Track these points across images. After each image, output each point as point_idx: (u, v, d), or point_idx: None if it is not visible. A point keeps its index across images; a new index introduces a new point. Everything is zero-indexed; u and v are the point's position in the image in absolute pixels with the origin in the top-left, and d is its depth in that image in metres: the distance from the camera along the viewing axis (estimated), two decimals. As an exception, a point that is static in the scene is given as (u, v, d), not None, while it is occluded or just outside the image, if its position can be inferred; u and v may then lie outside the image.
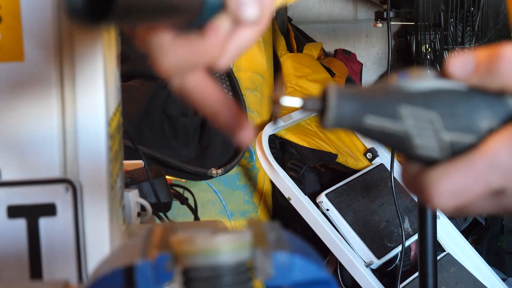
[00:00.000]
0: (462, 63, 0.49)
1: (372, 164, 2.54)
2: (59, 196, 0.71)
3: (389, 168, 2.29)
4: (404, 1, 2.40)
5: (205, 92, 0.59)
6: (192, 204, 1.46)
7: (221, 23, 0.57)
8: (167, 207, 1.26)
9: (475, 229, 2.74)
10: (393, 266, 2.37)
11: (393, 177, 2.22)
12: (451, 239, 2.49)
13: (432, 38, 2.09)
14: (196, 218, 1.49)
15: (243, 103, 2.39)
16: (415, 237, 2.33)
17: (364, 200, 2.40)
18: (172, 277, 0.45)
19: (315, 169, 2.49)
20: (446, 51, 2.10)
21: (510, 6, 1.37)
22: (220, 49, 0.57)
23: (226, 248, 0.44)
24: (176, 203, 1.38)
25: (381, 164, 2.54)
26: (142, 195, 1.17)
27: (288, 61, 2.63)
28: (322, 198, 2.30)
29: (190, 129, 2.35)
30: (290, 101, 0.50)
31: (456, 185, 0.48)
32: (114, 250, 0.53)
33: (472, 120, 0.48)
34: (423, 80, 0.49)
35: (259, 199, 2.46)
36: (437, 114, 0.48)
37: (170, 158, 2.26)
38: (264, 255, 0.45)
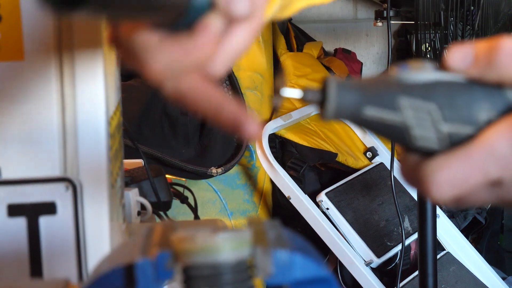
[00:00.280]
0: (461, 55, 0.50)
1: (372, 163, 2.54)
2: (59, 195, 0.71)
3: (389, 167, 2.29)
4: (404, 0, 2.40)
5: (202, 94, 0.55)
6: (192, 203, 1.46)
7: (212, 22, 0.53)
8: (167, 206, 1.26)
9: (475, 228, 2.75)
10: (393, 265, 2.37)
11: (393, 176, 2.22)
12: (451, 238, 2.49)
13: (432, 37, 2.09)
14: (196, 217, 1.49)
15: (243, 102, 2.39)
16: (415, 236, 2.33)
17: (364, 199, 2.40)
18: (172, 275, 0.45)
19: (315, 168, 2.49)
20: (446, 50, 2.10)
21: None
22: (213, 48, 0.54)
23: (226, 246, 0.44)
24: (176, 202, 1.38)
25: (381, 163, 2.54)
26: (142, 194, 1.17)
27: (288, 61, 2.63)
28: (322, 197, 2.30)
29: (190, 128, 2.35)
30: (291, 92, 0.50)
31: (454, 175, 0.48)
32: (114, 249, 0.53)
33: (471, 112, 0.49)
34: (422, 72, 0.49)
35: (259, 198, 2.46)
36: (435, 105, 0.49)
37: (170, 157, 2.26)
38: (264, 253, 0.45)
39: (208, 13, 0.54)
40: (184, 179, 2.26)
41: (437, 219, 2.15)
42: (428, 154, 0.49)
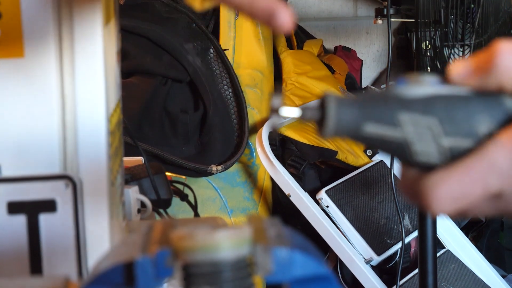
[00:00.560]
0: (461, 67, 0.50)
1: (372, 161, 2.54)
2: (59, 192, 0.71)
3: (389, 165, 2.29)
4: (404, -2, 2.40)
5: None
6: (192, 200, 1.46)
7: None
8: (167, 203, 1.26)
9: (475, 226, 2.75)
10: (393, 262, 2.37)
11: (393, 174, 2.22)
12: (451, 236, 2.49)
13: (432, 35, 2.09)
14: (196, 214, 1.49)
15: (243, 100, 2.38)
16: (415, 233, 2.33)
17: (364, 197, 2.40)
18: (172, 272, 0.45)
19: (315, 166, 2.49)
20: (446, 48, 2.10)
21: None
22: None
23: (226, 244, 0.44)
24: (176, 200, 1.38)
25: (381, 161, 2.54)
26: (142, 191, 1.17)
27: (288, 58, 2.63)
28: (322, 195, 2.30)
29: (190, 126, 2.35)
30: (289, 111, 0.50)
31: (455, 189, 0.48)
32: (114, 246, 0.53)
33: (471, 125, 0.49)
34: (421, 86, 0.49)
35: (259, 196, 2.46)
36: (435, 119, 0.48)
37: (170, 154, 2.26)
38: (264, 251, 0.45)
39: None
40: (184, 176, 2.26)
41: (437, 217, 2.15)
42: (429, 168, 0.49)
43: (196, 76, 2.35)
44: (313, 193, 2.33)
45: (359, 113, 0.48)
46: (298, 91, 2.57)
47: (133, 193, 1.03)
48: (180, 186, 1.49)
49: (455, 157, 0.49)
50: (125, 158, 0.93)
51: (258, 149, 2.32)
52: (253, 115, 2.45)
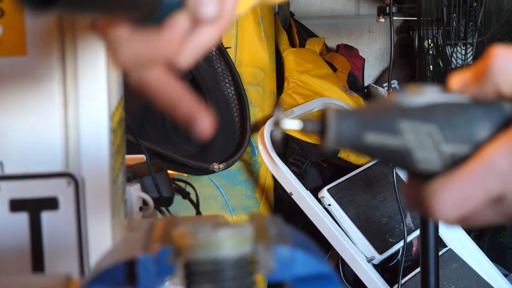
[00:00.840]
0: (460, 76, 0.51)
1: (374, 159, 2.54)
2: (61, 190, 0.71)
3: (391, 164, 2.28)
4: (407, -4, 2.40)
5: (163, 86, 0.60)
6: (194, 198, 1.46)
7: (179, 20, 0.57)
8: (169, 201, 1.26)
9: (477, 225, 2.74)
10: (395, 261, 2.37)
11: (395, 172, 2.22)
12: (453, 234, 2.49)
13: (434, 33, 2.09)
14: (198, 212, 1.49)
15: (245, 98, 2.38)
16: (417, 232, 2.33)
17: (366, 195, 2.40)
18: (173, 271, 0.45)
19: (317, 164, 2.49)
20: (449, 46, 2.10)
21: None
22: (177, 45, 0.57)
23: (228, 242, 0.44)
24: (178, 198, 1.38)
25: (383, 160, 2.53)
26: (144, 189, 1.17)
27: (290, 56, 2.62)
28: (324, 193, 2.30)
29: (192, 124, 2.35)
30: (290, 123, 0.51)
31: (457, 194, 0.48)
32: (116, 244, 0.53)
33: (471, 131, 0.49)
34: (420, 95, 0.50)
35: (261, 194, 2.46)
36: (436, 127, 0.49)
37: (172, 152, 2.26)
38: (265, 249, 0.45)
39: (178, 11, 0.56)
40: (186, 174, 2.26)
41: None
42: (431, 175, 0.49)
43: (198, 74, 2.35)
44: (315, 192, 2.33)
45: (359, 123, 0.49)
46: (300, 90, 2.57)
47: (135, 191, 1.03)
48: (182, 184, 1.49)
49: (456, 163, 0.49)
50: (127, 156, 0.93)
51: (260, 147, 2.31)
52: (255, 113, 2.45)
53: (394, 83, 2.98)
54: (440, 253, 2.27)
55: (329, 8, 3.18)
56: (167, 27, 0.56)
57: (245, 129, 2.37)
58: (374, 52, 3.19)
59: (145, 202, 1.10)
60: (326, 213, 2.28)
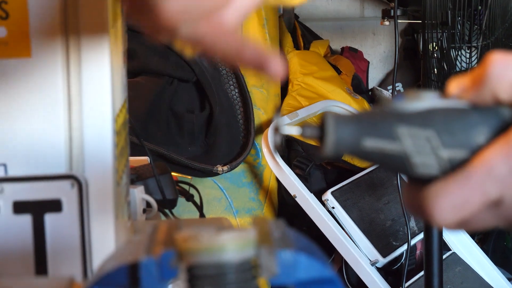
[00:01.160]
0: (458, 81, 0.51)
1: (378, 162, 2.53)
2: (65, 192, 0.71)
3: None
4: (412, -1, 2.39)
5: (221, 37, 0.55)
6: (198, 201, 1.46)
7: None
8: (172, 204, 1.26)
9: (481, 228, 2.73)
10: (399, 264, 2.37)
11: (399, 175, 2.21)
12: (457, 238, 2.49)
13: (439, 37, 2.09)
14: (202, 215, 1.49)
15: (249, 100, 2.38)
16: (421, 235, 2.33)
17: (370, 198, 2.40)
18: (176, 274, 0.45)
19: (321, 167, 2.49)
20: (453, 50, 2.09)
21: None
22: None
23: (231, 246, 0.44)
24: (181, 200, 1.38)
25: (387, 163, 2.53)
26: (147, 191, 1.17)
27: (294, 59, 2.62)
28: (328, 196, 2.30)
29: (196, 126, 2.35)
30: (290, 129, 0.51)
31: (455, 198, 0.48)
32: (119, 247, 0.53)
33: (469, 135, 0.49)
34: (418, 101, 0.50)
35: (264, 196, 2.46)
36: (434, 132, 0.49)
37: (176, 154, 2.26)
38: (269, 253, 0.45)
39: None
40: (189, 176, 2.26)
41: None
42: (429, 180, 0.50)
43: (203, 76, 2.35)
44: (318, 194, 2.32)
45: (357, 129, 0.49)
46: (304, 92, 2.57)
47: (138, 193, 1.03)
48: (186, 186, 1.49)
49: (454, 168, 0.49)
50: (131, 158, 0.93)
51: (264, 150, 2.31)
52: (259, 115, 2.45)
53: (398, 86, 2.98)
54: (444, 256, 2.27)
55: (333, 11, 3.18)
56: None
57: (249, 131, 2.37)
58: (379, 55, 3.19)
59: (148, 204, 1.10)
60: (329, 215, 2.28)
